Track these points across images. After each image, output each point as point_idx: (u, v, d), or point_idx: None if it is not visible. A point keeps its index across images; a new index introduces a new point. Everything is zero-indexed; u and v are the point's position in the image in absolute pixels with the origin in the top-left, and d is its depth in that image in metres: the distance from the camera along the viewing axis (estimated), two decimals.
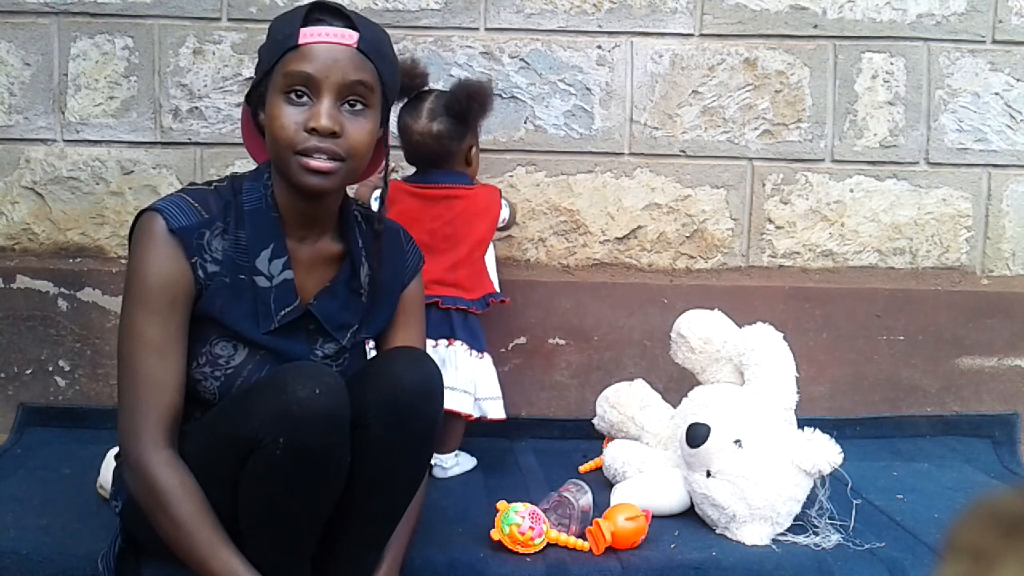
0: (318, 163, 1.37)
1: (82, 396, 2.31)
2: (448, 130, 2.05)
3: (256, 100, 1.46)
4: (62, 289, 2.32)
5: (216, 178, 1.51)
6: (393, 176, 2.37)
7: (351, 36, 1.38)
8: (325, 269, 1.51)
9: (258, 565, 1.35)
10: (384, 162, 1.56)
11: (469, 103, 2.04)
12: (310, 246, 1.49)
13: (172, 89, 2.36)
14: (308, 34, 1.36)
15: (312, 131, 1.36)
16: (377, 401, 1.36)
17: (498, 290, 2.16)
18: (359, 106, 1.39)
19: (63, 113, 2.36)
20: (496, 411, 2.08)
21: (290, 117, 1.37)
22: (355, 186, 2.18)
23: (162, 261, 1.38)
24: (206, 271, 1.40)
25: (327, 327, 1.49)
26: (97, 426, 2.24)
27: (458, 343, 2.02)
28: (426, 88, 2.11)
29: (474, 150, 2.12)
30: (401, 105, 2.08)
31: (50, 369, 2.33)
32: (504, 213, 2.15)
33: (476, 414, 2.05)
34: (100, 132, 2.37)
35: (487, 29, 2.40)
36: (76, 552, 1.61)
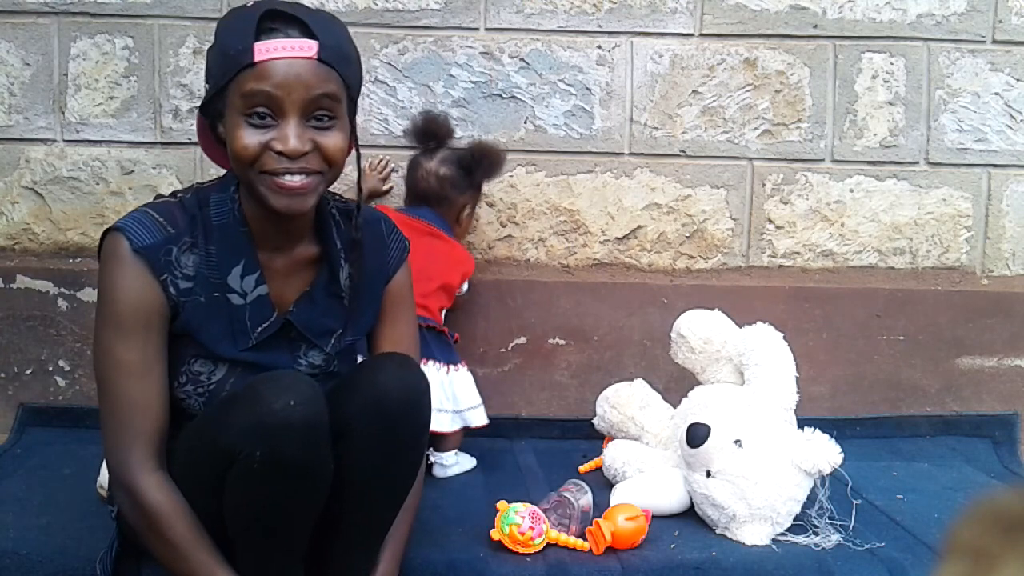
0: (292, 182, 1.29)
1: (82, 396, 2.31)
2: (452, 177, 2.17)
3: (213, 113, 1.37)
4: (62, 289, 2.32)
5: (181, 188, 1.46)
6: (393, 173, 2.38)
7: (310, 47, 1.27)
8: (303, 274, 1.45)
9: (248, 574, 1.35)
10: (356, 157, 1.47)
11: (480, 159, 2.18)
12: (285, 255, 1.43)
13: (172, 89, 2.36)
14: (264, 50, 1.26)
15: (280, 153, 1.29)
16: (363, 411, 1.33)
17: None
18: (327, 119, 1.31)
19: (63, 113, 2.36)
20: (479, 419, 2.11)
21: (253, 138, 1.28)
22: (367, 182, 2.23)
23: (131, 283, 1.33)
24: (178, 288, 1.36)
25: (308, 335, 1.45)
26: (97, 426, 2.21)
27: (431, 363, 2.03)
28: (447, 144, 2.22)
29: (467, 210, 2.23)
30: (421, 151, 2.21)
31: (50, 369, 2.33)
32: (465, 286, 2.22)
33: (459, 425, 2.07)
34: (100, 132, 2.37)
35: (487, 29, 2.40)
36: (76, 552, 1.61)
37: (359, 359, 1.59)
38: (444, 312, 2.17)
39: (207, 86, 1.36)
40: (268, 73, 1.26)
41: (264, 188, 1.31)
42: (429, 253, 2.07)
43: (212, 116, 1.38)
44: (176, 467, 1.37)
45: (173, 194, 1.43)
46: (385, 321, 1.56)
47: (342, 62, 1.32)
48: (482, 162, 2.19)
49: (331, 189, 1.46)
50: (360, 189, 1.49)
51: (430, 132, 2.21)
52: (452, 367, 2.07)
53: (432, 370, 2.02)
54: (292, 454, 1.24)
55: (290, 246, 1.44)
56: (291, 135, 1.28)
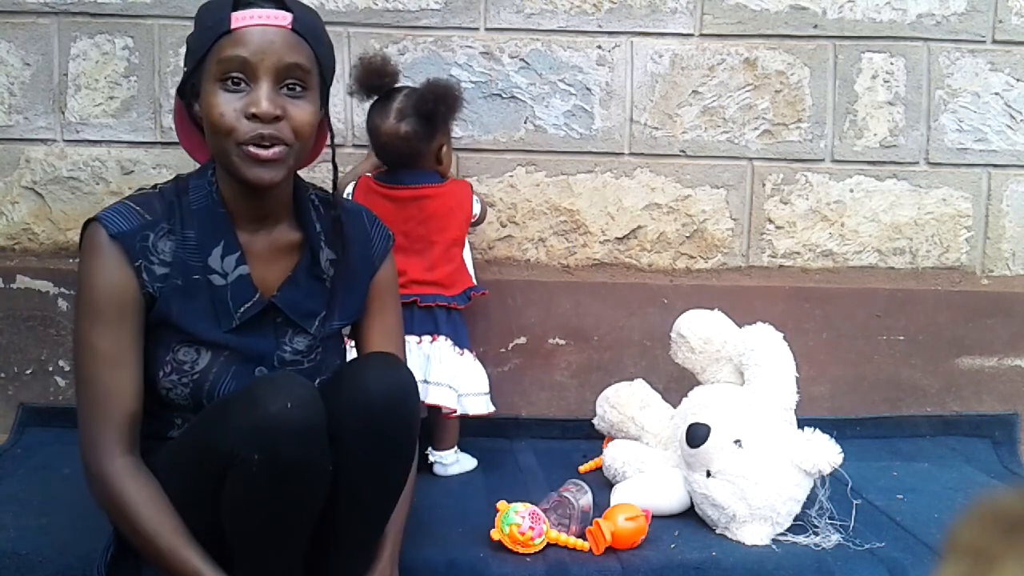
0: (264, 152, 1.33)
1: None
2: (416, 131, 2.04)
3: (189, 92, 1.42)
4: (62, 289, 2.32)
5: (163, 181, 1.49)
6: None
7: (284, 17, 1.34)
8: (285, 259, 1.47)
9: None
10: (330, 144, 1.52)
11: (436, 105, 2.04)
12: (265, 237, 1.45)
13: (172, 89, 2.35)
14: (240, 18, 1.32)
15: (253, 117, 1.32)
16: (349, 412, 1.33)
17: (476, 283, 2.17)
18: (298, 89, 1.35)
19: (63, 113, 2.36)
20: (478, 407, 2.08)
21: (228, 104, 1.32)
22: (354, 169, 2.19)
23: (106, 270, 1.36)
24: (153, 274, 1.37)
25: (292, 316, 1.46)
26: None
27: (442, 338, 2.04)
28: (396, 86, 2.10)
29: (444, 148, 2.12)
30: (371, 104, 2.10)
31: (50, 369, 2.33)
32: (476, 209, 2.15)
33: (459, 410, 2.05)
34: (100, 132, 2.37)
35: (487, 29, 2.39)
36: (75, 552, 1.61)
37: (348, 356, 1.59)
38: (473, 280, 2.15)
39: (185, 69, 1.42)
40: (244, 39, 1.32)
41: (237, 159, 1.35)
42: (424, 220, 2.06)
43: (188, 96, 1.43)
44: (171, 472, 1.36)
45: (154, 186, 1.46)
46: (373, 314, 1.57)
47: (315, 39, 1.38)
48: (439, 106, 2.04)
49: (309, 182, 1.52)
50: (335, 171, 1.53)
51: (373, 84, 2.07)
52: (458, 348, 2.06)
53: (445, 346, 2.03)
54: (290, 456, 1.24)
55: (269, 227, 1.45)
56: (263, 98, 1.32)
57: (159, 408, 1.42)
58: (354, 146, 2.37)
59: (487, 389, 2.11)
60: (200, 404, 1.41)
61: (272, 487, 1.26)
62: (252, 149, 1.33)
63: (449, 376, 2.02)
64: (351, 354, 1.64)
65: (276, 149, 1.34)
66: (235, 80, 1.33)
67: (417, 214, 2.06)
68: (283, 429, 1.23)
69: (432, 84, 2.07)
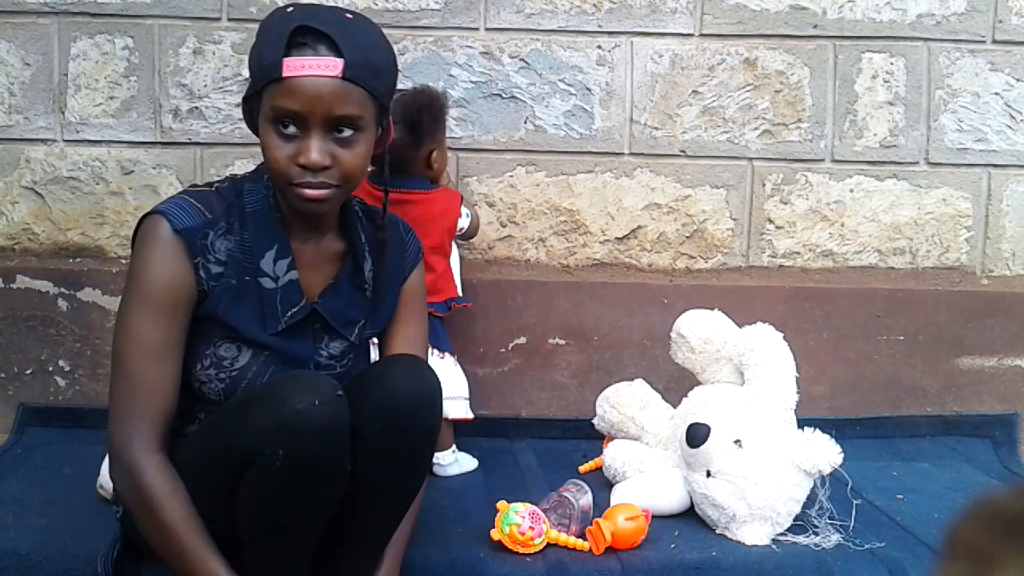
0: (312, 192, 1.37)
1: (82, 396, 2.31)
2: (402, 139, 2.03)
3: (252, 108, 1.44)
4: (62, 289, 2.32)
5: (217, 179, 1.51)
6: None
7: (335, 66, 1.33)
8: (328, 267, 1.50)
9: (256, 571, 1.35)
10: (384, 165, 1.56)
11: (420, 114, 2.04)
12: (313, 245, 1.49)
13: (172, 89, 2.36)
14: (291, 66, 1.32)
15: (302, 167, 1.36)
16: (375, 411, 1.35)
17: (461, 294, 2.16)
18: (348, 132, 1.37)
19: (63, 113, 2.36)
20: (457, 411, 2.08)
21: (281, 151, 1.36)
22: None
23: (166, 263, 1.38)
24: (209, 272, 1.40)
25: (334, 324, 1.49)
26: (97, 426, 2.21)
27: None
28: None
29: (435, 154, 2.10)
30: None
31: (50, 369, 2.33)
32: (463, 222, 2.14)
33: None
34: (100, 132, 2.37)
35: (487, 29, 2.39)
36: (76, 552, 1.61)
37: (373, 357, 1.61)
38: (458, 291, 2.14)
39: (248, 80, 1.43)
40: (294, 90, 1.33)
41: (290, 195, 1.39)
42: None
43: (252, 109, 1.44)
44: (187, 465, 1.37)
45: (208, 184, 1.48)
46: (399, 320, 1.60)
47: (368, 76, 1.36)
48: (423, 115, 2.04)
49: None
50: (386, 193, 1.56)
51: None
52: (437, 352, 2.05)
53: None
54: (315, 454, 1.26)
55: (318, 236, 1.49)
56: (313, 149, 1.34)
57: (184, 401, 1.43)
58: None
59: (467, 394, 2.11)
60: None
61: (293, 484, 1.27)
62: (302, 191, 1.37)
63: None
64: (374, 353, 1.65)
65: (325, 192, 1.38)
66: (286, 124, 1.35)
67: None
68: (310, 427, 1.25)
69: (417, 92, 2.09)
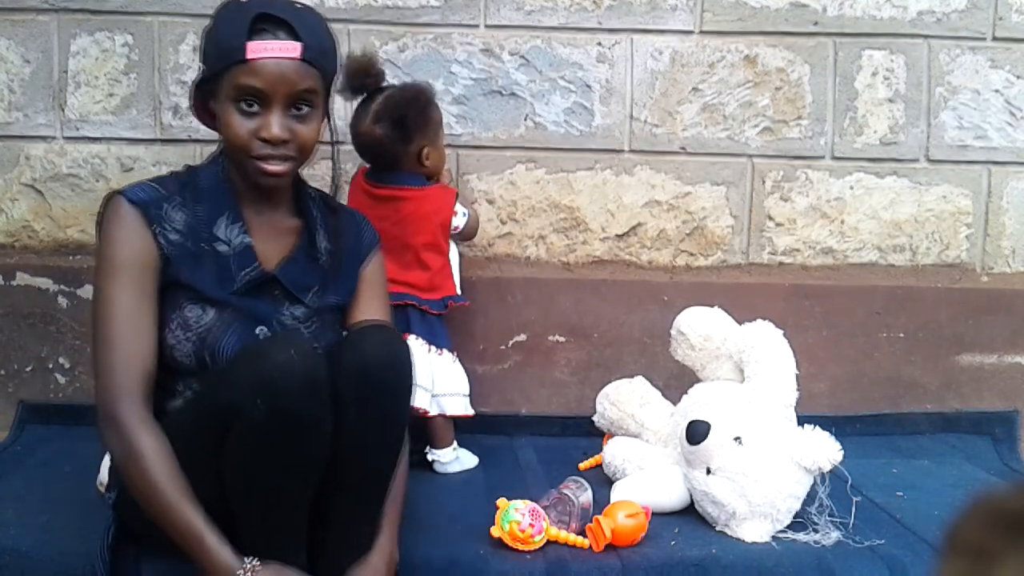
0: (273, 167, 1.50)
1: (82, 393, 2.31)
2: (389, 135, 2.03)
3: (205, 91, 1.55)
4: (62, 286, 2.32)
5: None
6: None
7: (295, 48, 1.46)
8: (285, 240, 1.60)
9: (251, 543, 1.37)
10: (331, 142, 1.64)
11: (406, 110, 2.03)
12: (268, 218, 1.59)
13: (172, 86, 2.36)
14: (255, 49, 1.44)
15: (264, 139, 1.47)
16: (348, 376, 1.40)
17: (459, 292, 2.16)
18: (305, 109, 1.50)
19: (63, 110, 2.36)
20: (456, 407, 2.07)
21: (243, 126, 1.48)
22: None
23: (127, 232, 1.48)
24: (168, 239, 1.50)
25: (291, 289, 1.57)
26: (97, 423, 2.24)
27: (412, 337, 2.01)
28: (383, 86, 2.08)
29: (426, 150, 2.07)
30: (357, 103, 2.08)
31: (50, 366, 2.33)
32: (458, 220, 2.12)
33: (434, 411, 2.04)
34: (100, 129, 2.37)
35: (487, 26, 2.39)
36: (76, 550, 1.61)
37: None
38: (456, 289, 2.14)
39: (202, 66, 1.55)
40: (258, 70, 1.45)
41: (250, 169, 1.51)
42: (398, 221, 2.04)
43: (205, 93, 1.56)
44: (176, 436, 1.40)
45: (169, 173, 1.63)
46: (360, 302, 1.68)
47: (322, 58, 1.51)
48: (408, 111, 2.03)
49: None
50: (335, 168, 1.67)
51: (358, 84, 2.04)
52: (435, 349, 2.05)
53: (416, 345, 2.00)
54: (295, 404, 1.30)
55: (271, 209, 1.60)
56: (274, 124, 1.47)
57: (163, 375, 1.49)
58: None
59: (467, 391, 2.10)
60: (203, 361, 1.49)
61: (277, 437, 1.31)
62: (262, 164, 1.50)
63: (421, 376, 1.98)
64: None
65: (283, 166, 1.51)
66: (248, 103, 1.47)
67: (392, 215, 2.04)
68: (290, 375, 1.30)
69: (402, 88, 2.09)
